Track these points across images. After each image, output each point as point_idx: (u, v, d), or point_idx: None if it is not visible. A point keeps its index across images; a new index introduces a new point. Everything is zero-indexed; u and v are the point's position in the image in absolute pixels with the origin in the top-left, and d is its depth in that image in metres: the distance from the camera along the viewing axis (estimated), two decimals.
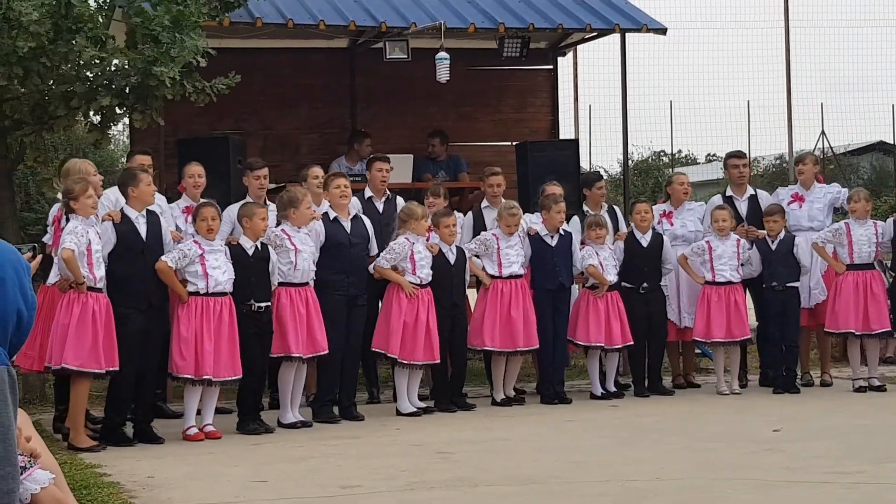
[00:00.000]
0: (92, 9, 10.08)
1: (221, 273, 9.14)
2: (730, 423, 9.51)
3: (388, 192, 11.08)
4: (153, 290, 9.01)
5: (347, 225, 10.05)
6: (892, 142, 27.76)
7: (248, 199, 10.53)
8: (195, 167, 10.34)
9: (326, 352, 9.66)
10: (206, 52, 10.23)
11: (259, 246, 9.46)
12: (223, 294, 9.15)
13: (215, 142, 11.73)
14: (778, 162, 25.57)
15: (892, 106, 26.51)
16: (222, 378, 9.09)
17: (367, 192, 11.03)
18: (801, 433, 8.99)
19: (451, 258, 10.53)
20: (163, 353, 9.12)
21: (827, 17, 32.34)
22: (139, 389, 9.00)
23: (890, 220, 11.54)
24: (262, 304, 9.36)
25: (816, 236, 11.42)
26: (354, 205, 10.45)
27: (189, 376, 9.02)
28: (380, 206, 10.97)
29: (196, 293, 9.08)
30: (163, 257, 9.02)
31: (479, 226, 11.21)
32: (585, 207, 11.71)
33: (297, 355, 9.51)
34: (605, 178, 12.21)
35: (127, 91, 10.14)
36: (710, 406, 10.58)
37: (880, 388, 11.19)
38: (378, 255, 10.28)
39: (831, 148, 25.85)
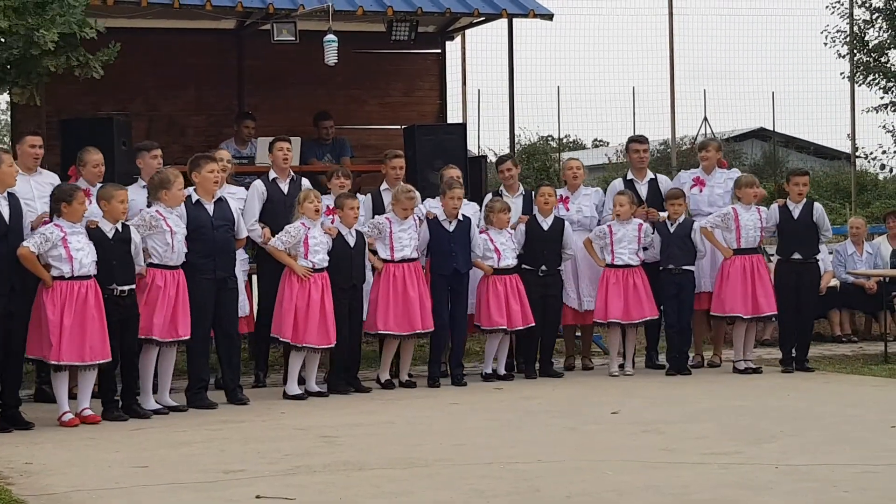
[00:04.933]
0: None
1: (85, 255, 8.91)
2: (613, 406, 9.64)
3: (292, 174, 11.05)
4: (17, 272, 8.72)
5: (210, 207, 9.90)
6: (772, 128, 28.33)
7: (140, 181, 10.40)
8: (96, 155, 10.12)
9: (188, 337, 9.57)
10: (92, 27, 9.98)
11: (120, 228, 9.24)
12: (87, 277, 8.93)
13: (99, 123, 11.52)
14: (662, 147, 25.94)
15: (772, 94, 27.08)
16: (89, 362, 8.89)
17: (272, 174, 10.98)
18: (681, 415, 9.17)
19: (351, 241, 10.52)
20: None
21: (710, 5, 32.87)
22: (4, 374, 8.75)
23: (774, 206, 11.77)
24: (125, 288, 9.18)
25: (705, 220, 11.63)
26: (223, 188, 10.31)
27: (56, 362, 8.81)
28: (284, 188, 10.93)
29: (61, 277, 8.84)
30: (24, 243, 8.72)
31: (378, 208, 11.20)
32: (502, 189, 11.82)
33: (157, 339, 9.40)
34: (512, 158, 11.99)
35: (8, 66, 9.87)
36: (597, 388, 10.73)
37: (756, 371, 11.47)
38: (244, 238, 10.28)
39: (714, 134, 26.33)
